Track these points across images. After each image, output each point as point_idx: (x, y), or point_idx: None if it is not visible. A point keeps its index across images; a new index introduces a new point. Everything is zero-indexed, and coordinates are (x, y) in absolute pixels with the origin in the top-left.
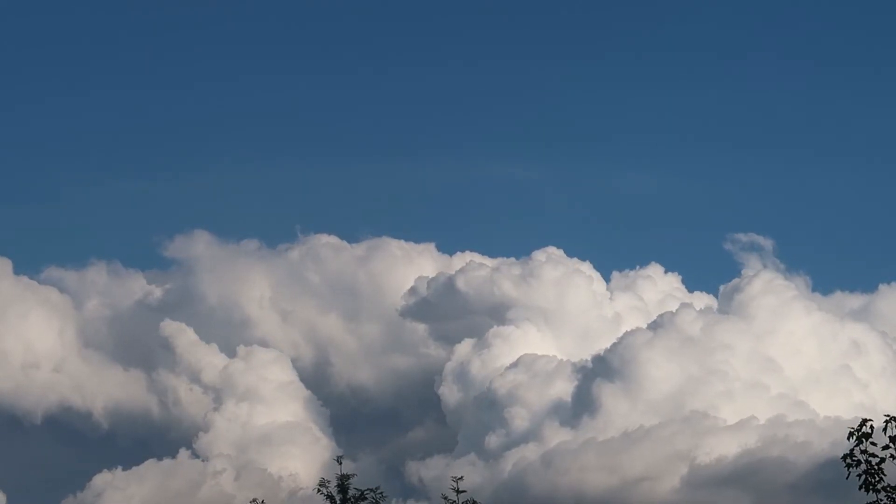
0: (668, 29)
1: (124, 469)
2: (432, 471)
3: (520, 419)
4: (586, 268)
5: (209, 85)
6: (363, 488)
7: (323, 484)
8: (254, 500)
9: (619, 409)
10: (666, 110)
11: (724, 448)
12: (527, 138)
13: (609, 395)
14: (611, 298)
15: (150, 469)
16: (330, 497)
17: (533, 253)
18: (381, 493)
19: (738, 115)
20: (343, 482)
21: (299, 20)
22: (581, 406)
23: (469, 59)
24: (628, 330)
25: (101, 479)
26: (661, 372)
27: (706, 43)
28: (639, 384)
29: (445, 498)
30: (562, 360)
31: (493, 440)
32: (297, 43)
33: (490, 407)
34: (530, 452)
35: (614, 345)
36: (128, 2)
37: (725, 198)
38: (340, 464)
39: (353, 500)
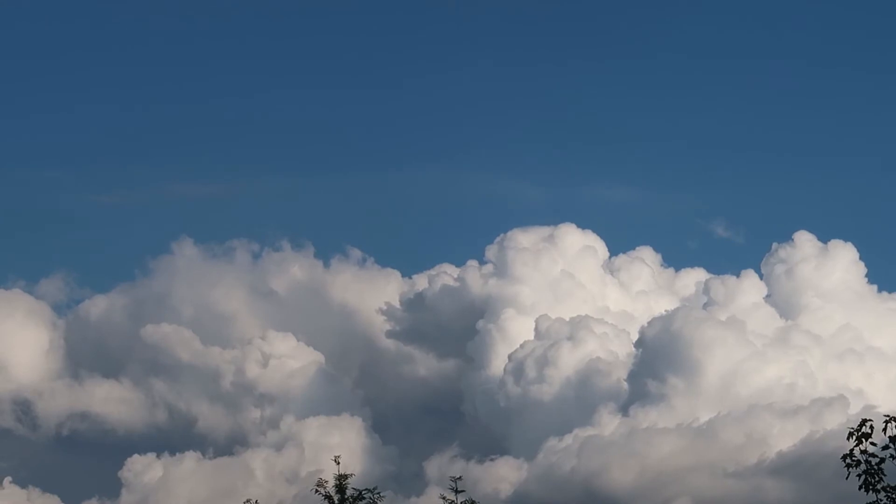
0: (658, 34)
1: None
2: (461, 469)
3: (546, 411)
4: (569, 228)
5: (190, 97)
6: (361, 488)
7: (320, 484)
8: (248, 501)
9: (667, 396)
10: (651, 117)
11: (778, 436)
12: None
13: (654, 384)
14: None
15: (193, 466)
16: (328, 497)
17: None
18: (379, 492)
19: (725, 119)
20: (341, 482)
21: (284, 35)
22: (606, 394)
23: (454, 67)
24: (667, 310)
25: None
26: (710, 356)
27: (697, 48)
28: (690, 369)
29: (444, 498)
30: (572, 344)
31: (527, 436)
32: (283, 57)
33: (514, 404)
34: (564, 444)
35: (644, 328)
36: (107, 11)
37: (713, 201)
38: (338, 464)
39: (350, 499)
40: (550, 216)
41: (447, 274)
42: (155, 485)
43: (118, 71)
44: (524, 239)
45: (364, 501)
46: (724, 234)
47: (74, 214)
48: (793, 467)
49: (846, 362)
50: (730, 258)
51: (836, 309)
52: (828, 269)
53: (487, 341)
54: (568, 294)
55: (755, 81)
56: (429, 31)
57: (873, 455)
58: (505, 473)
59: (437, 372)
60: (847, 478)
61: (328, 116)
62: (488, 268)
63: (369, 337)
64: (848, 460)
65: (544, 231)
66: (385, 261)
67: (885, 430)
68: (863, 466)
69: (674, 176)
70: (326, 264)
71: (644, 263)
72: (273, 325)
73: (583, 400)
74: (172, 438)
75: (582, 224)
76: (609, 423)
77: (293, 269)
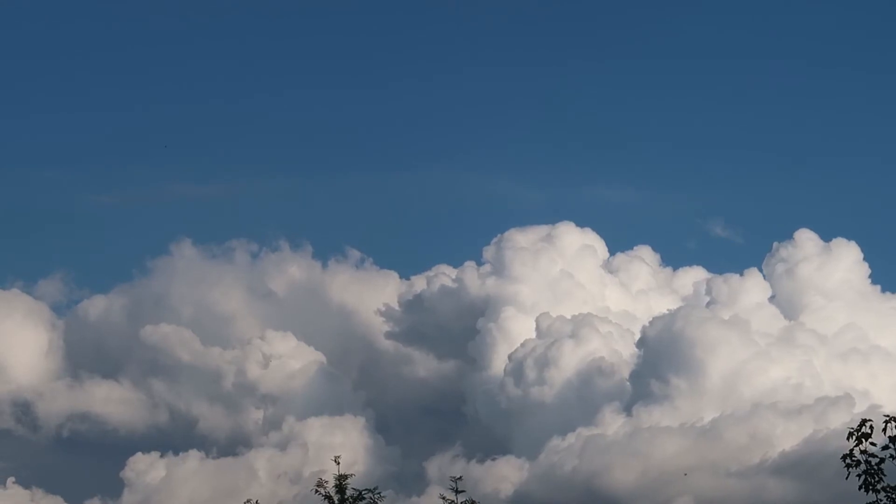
0: (658, 34)
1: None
2: (462, 469)
3: (548, 411)
4: (568, 227)
5: (190, 97)
6: (361, 488)
7: (320, 484)
8: (248, 501)
9: (670, 396)
10: (650, 117)
11: (782, 436)
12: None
13: (656, 382)
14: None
15: (196, 466)
16: (328, 497)
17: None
18: (379, 492)
19: (725, 119)
20: (341, 482)
21: (284, 35)
22: (608, 393)
23: (454, 67)
24: (667, 310)
25: (145, 462)
26: (714, 355)
27: (697, 48)
28: (693, 368)
29: (443, 498)
30: (572, 342)
31: (528, 435)
32: (283, 57)
33: (515, 404)
34: (566, 443)
35: (646, 327)
36: (107, 12)
37: (708, 203)
38: (338, 464)
39: (351, 500)
40: (549, 216)
41: (445, 275)
42: (157, 485)
43: (118, 71)
44: (522, 238)
45: (364, 501)
46: (722, 234)
47: (74, 214)
48: (795, 467)
49: (850, 362)
50: (728, 257)
51: (840, 308)
52: (830, 268)
53: (488, 341)
54: (567, 293)
55: (755, 81)
56: (429, 31)
57: (873, 455)
58: (506, 473)
59: (438, 372)
60: (847, 478)
61: (328, 116)
62: (486, 268)
63: (369, 338)
64: (848, 460)
65: (542, 230)
66: (383, 262)
67: (885, 430)
68: (863, 466)
69: (673, 175)
70: (325, 265)
71: (643, 263)
72: (272, 326)
73: (585, 399)
74: (174, 439)
75: (580, 223)
76: (612, 423)
77: (291, 270)
